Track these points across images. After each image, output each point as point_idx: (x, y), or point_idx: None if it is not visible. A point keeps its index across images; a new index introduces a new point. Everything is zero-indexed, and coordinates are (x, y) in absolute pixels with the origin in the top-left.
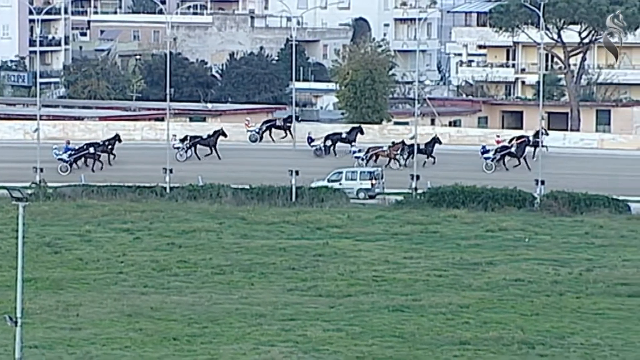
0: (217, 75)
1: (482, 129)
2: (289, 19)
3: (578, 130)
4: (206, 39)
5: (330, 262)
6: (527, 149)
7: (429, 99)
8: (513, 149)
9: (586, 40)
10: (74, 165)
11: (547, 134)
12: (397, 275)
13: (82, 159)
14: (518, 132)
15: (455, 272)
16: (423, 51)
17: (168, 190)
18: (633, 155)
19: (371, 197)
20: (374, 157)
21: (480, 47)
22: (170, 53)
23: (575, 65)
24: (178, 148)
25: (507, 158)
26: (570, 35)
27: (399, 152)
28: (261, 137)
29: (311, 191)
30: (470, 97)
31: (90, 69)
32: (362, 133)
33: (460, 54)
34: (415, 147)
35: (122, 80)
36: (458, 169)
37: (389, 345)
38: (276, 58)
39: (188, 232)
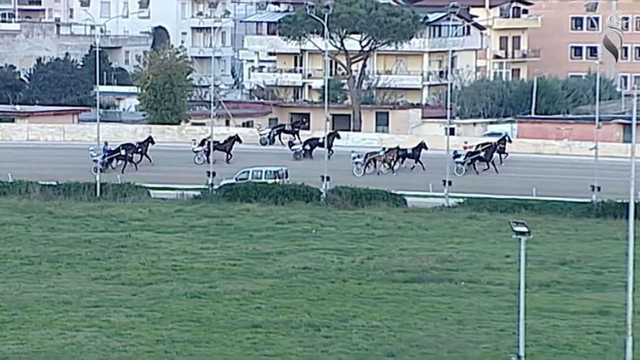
0: (26, 79)
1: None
2: (92, 27)
3: (360, 130)
4: (14, 45)
5: (133, 252)
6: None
7: (224, 101)
8: (482, 154)
9: (366, 49)
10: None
11: (510, 141)
12: (194, 265)
13: (116, 160)
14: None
15: (248, 261)
16: (218, 57)
17: None
18: None
19: None
20: (372, 162)
21: (270, 54)
22: None
23: (356, 71)
24: (197, 152)
25: (477, 161)
26: (352, 43)
27: (393, 157)
28: (272, 141)
29: (114, 187)
30: (261, 100)
31: None
32: (338, 138)
33: (252, 60)
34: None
35: None
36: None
37: (187, 329)
38: (81, 63)
39: None
